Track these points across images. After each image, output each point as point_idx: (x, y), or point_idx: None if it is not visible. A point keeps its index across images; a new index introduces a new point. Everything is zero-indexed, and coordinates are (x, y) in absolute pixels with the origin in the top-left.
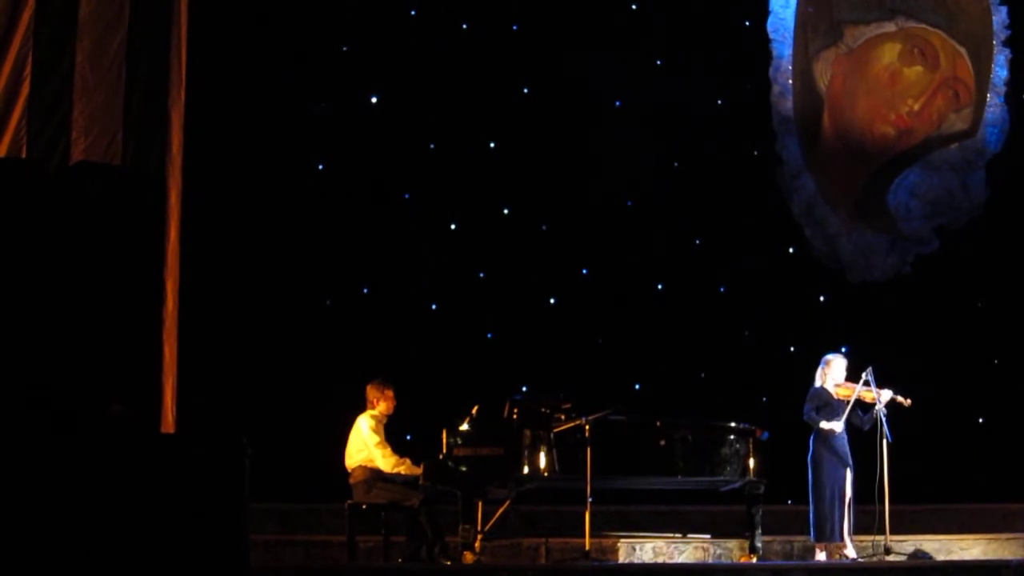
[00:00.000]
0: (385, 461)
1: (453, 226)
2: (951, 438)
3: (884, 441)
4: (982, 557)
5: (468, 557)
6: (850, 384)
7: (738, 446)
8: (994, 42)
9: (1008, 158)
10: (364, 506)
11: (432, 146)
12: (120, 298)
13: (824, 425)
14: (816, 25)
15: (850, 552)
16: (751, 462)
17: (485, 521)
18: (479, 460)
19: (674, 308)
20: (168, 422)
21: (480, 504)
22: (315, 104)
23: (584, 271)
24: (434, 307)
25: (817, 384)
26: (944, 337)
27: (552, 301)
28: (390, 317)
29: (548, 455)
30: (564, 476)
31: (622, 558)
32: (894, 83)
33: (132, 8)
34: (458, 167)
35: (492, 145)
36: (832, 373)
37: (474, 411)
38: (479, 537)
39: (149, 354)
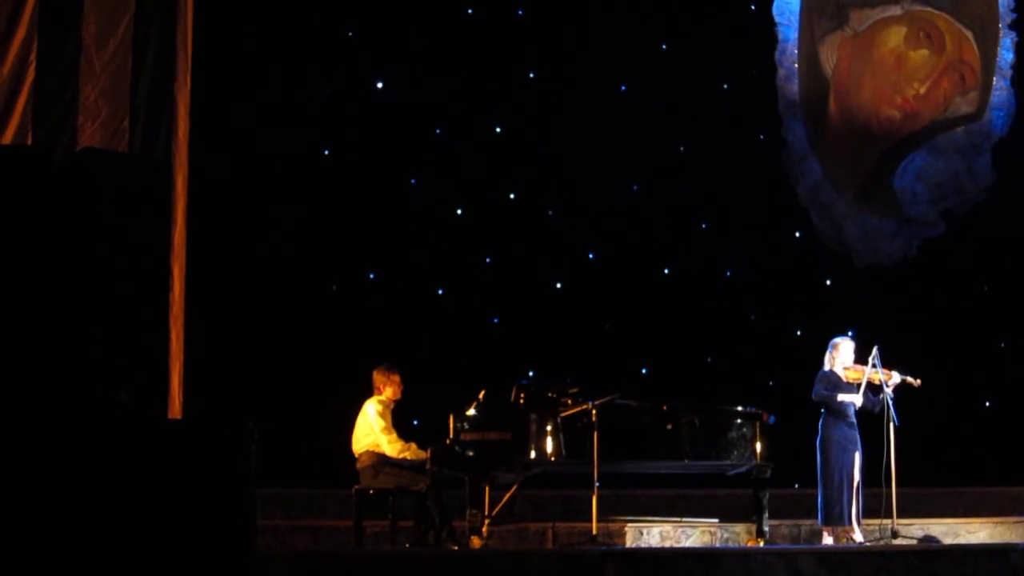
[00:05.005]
0: (391, 446)
1: (459, 211)
2: (958, 422)
3: (891, 425)
4: (989, 540)
5: (475, 542)
6: (859, 366)
7: (745, 430)
8: (1000, 25)
9: (1014, 141)
10: (371, 491)
11: (438, 131)
12: (126, 284)
13: (843, 397)
14: (822, 8)
15: (857, 536)
16: (758, 446)
17: (492, 506)
18: (486, 445)
19: (680, 292)
20: (175, 408)
21: (487, 489)
22: (321, 89)
23: (590, 256)
24: (440, 292)
25: (826, 368)
26: (950, 321)
27: (559, 286)
28: (396, 302)
29: (555, 440)
30: (571, 461)
31: (629, 542)
32: (900, 66)
33: None
34: (464, 152)
35: (498, 130)
36: (840, 356)
37: (481, 396)
38: (486, 522)
39: (155, 340)
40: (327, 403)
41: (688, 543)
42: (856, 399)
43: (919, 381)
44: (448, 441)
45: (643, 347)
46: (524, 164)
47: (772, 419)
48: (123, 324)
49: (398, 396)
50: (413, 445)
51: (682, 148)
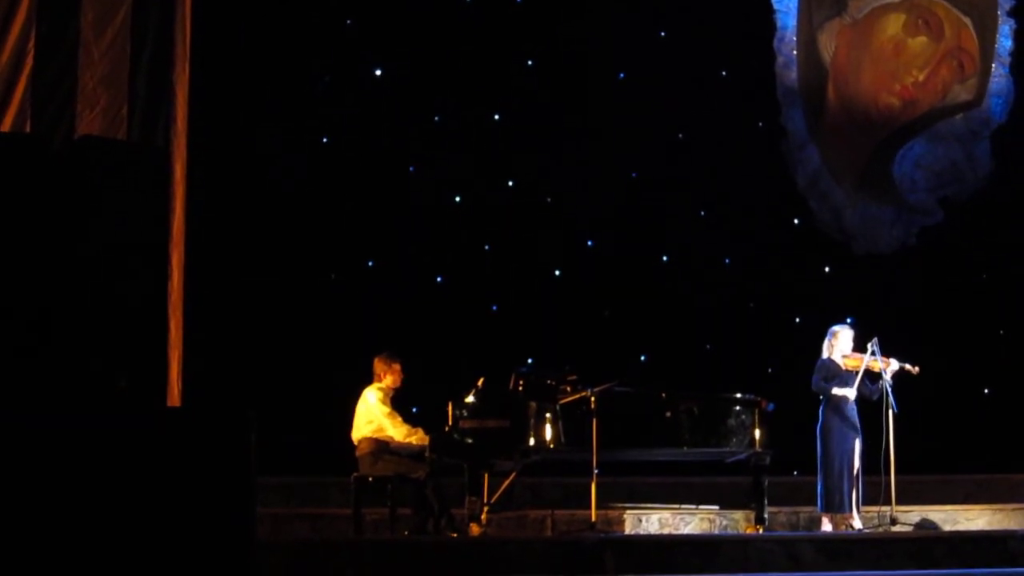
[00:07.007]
0: (397, 430)
1: (458, 199)
2: (957, 409)
3: (890, 412)
4: (988, 528)
5: (474, 529)
6: (858, 355)
7: (744, 417)
8: (998, 12)
9: (1013, 129)
10: (370, 479)
11: (436, 119)
12: (124, 271)
13: (836, 391)
14: None
15: (856, 523)
16: (757, 433)
17: (491, 493)
18: (485, 432)
19: (679, 280)
20: (174, 396)
21: (486, 476)
22: (319, 77)
23: (589, 243)
24: (439, 280)
25: (824, 355)
26: (949, 308)
27: (557, 273)
28: (395, 290)
29: (554, 427)
30: (570, 448)
31: (628, 529)
32: (898, 54)
33: None
34: (462, 140)
35: (496, 117)
36: (839, 344)
37: (480, 383)
38: (485, 509)
39: (154, 328)
40: (326, 391)
41: (687, 530)
42: (850, 392)
43: (918, 369)
44: (447, 428)
45: (642, 335)
46: (523, 151)
47: (771, 406)
48: (121, 312)
49: (398, 384)
50: (420, 430)
51: (681, 136)
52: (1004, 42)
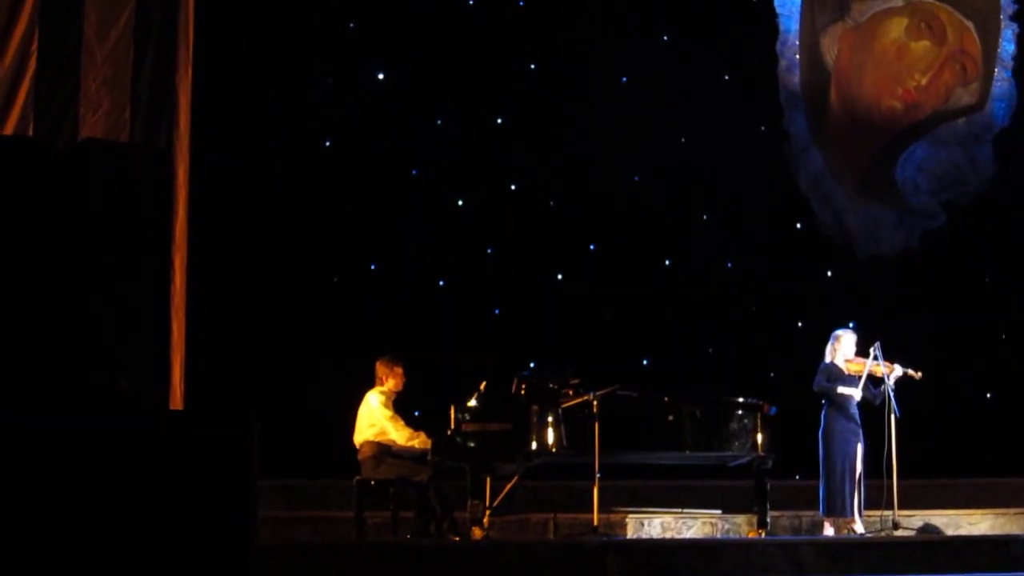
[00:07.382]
0: (399, 434)
1: (460, 202)
2: (959, 413)
3: (892, 416)
4: (990, 532)
5: (477, 532)
6: (860, 359)
7: (746, 421)
8: (1001, 17)
9: (1015, 132)
10: (372, 482)
11: (439, 122)
12: (127, 274)
13: (842, 389)
14: (823, 0)
15: (858, 527)
16: (759, 437)
17: (493, 497)
18: (487, 436)
19: (682, 284)
20: (176, 398)
21: (488, 480)
22: (322, 80)
23: (591, 247)
24: (442, 283)
25: (827, 360)
26: (952, 312)
27: (559, 277)
28: (398, 293)
29: (556, 431)
30: (572, 452)
31: (630, 533)
32: (901, 57)
33: None
34: (465, 143)
35: (499, 121)
36: (842, 349)
37: (482, 387)
38: (487, 512)
39: (157, 330)
40: (329, 394)
41: (689, 534)
42: (855, 392)
43: (920, 374)
44: (449, 432)
45: (644, 338)
46: (525, 155)
47: (773, 410)
48: (124, 314)
49: (400, 387)
50: (422, 433)
51: (683, 139)
52: (1007, 46)
